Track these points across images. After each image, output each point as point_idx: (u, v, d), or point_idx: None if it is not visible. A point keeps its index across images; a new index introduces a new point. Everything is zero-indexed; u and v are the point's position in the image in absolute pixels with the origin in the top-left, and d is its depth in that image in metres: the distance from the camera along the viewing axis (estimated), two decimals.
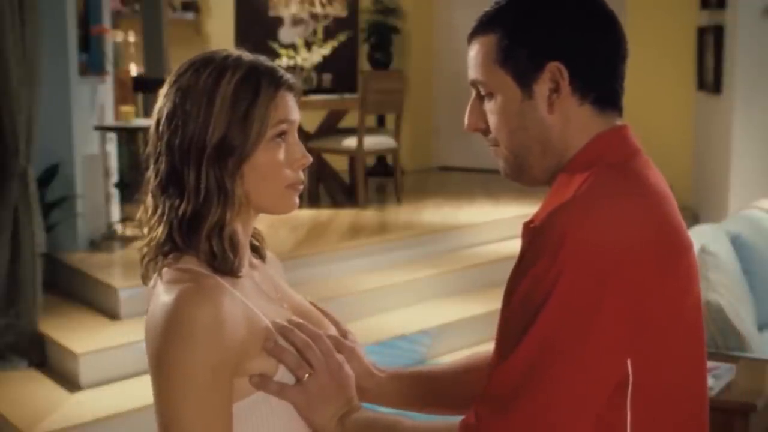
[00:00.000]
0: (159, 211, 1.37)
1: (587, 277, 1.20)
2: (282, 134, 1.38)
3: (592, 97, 1.34)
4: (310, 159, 1.43)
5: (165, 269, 1.36)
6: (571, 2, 1.35)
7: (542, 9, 1.34)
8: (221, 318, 1.29)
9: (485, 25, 1.37)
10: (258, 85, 1.36)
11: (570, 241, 1.21)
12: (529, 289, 1.23)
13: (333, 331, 1.53)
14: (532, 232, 1.30)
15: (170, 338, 1.28)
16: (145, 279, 1.41)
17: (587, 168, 1.31)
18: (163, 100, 1.38)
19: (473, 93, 1.41)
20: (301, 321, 1.42)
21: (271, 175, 1.37)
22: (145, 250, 1.39)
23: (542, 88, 1.33)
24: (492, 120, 1.37)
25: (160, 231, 1.36)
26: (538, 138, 1.35)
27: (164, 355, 1.28)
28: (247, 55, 1.39)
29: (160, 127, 1.37)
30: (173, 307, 1.29)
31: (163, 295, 1.32)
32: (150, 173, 1.39)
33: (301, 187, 1.42)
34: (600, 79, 1.35)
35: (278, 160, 1.38)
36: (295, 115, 1.40)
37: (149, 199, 1.39)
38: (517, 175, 1.41)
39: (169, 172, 1.36)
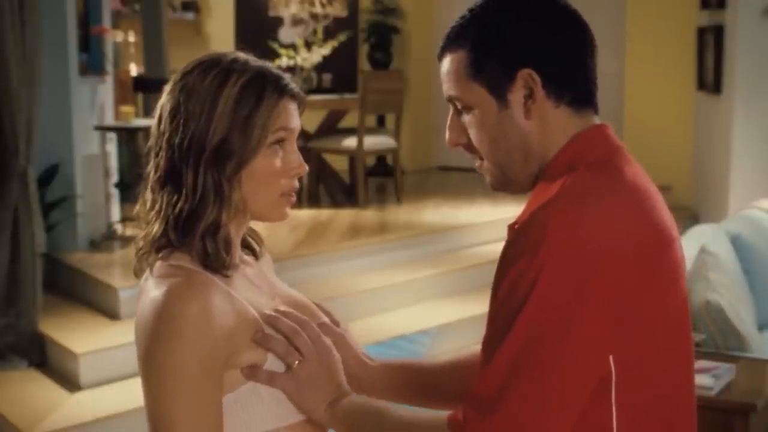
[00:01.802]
0: (157, 206, 1.38)
1: (568, 275, 1.21)
2: (280, 141, 1.39)
3: (567, 98, 1.35)
4: (306, 168, 1.43)
5: (157, 264, 1.37)
6: (532, 8, 1.36)
7: (506, 19, 1.35)
8: (210, 313, 1.29)
9: (453, 41, 1.38)
10: (262, 90, 1.36)
11: (551, 238, 1.21)
12: (512, 288, 1.24)
13: (326, 321, 1.53)
14: (515, 232, 1.31)
15: (160, 333, 1.29)
16: (138, 273, 1.42)
17: (569, 168, 1.31)
18: (167, 96, 1.38)
19: (450, 109, 1.41)
20: (287, 309, 1.42)
21: (266, 182, 1.38)
22: (141, 243, 1.39)
23: (517, 96, 1.34)
24: (473, 133, 1.38)
25: (156, 226, 1.37)
26: (519, 146, 1.36)
27: (154, 350, 1.29)
28: (255, 61, 1.40)
29: (162, 124, 1.38)
30: (163, 302, 1.29)
31: (152, 290, 1.33)
32: (150, 168, 1.40)
33: (294, 198, 1.43)
34: (572, 79, 1.36)
35: (275, 167, 1.38)
36: (296, 123, 1.41)
37: (148, 194, 1.40)
38: (505, 186, 1.42)
39: (168, 169, 1.37)
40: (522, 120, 1.34)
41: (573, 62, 1.35)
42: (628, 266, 1.23)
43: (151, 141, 1.40)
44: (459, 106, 1.39)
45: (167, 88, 1.40)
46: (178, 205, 1.35)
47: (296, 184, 1.43)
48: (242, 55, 1.40)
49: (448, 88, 1.40)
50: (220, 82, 1.35)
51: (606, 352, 1.23)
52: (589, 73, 1.37)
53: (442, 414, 1.29)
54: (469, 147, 1.41)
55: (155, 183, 1.38)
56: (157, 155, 1.38)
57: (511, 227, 1.36)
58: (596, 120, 1.38)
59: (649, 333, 1.27)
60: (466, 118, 1.38)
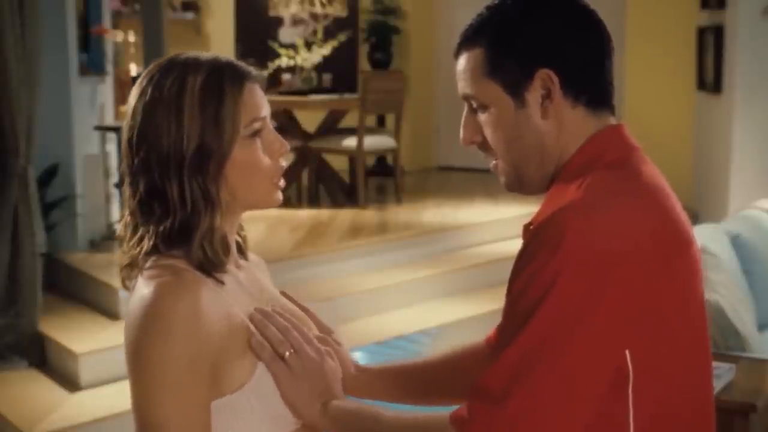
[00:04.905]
0: (141, 229, 1.36)
1: (587, 274, 1.20)
2: (256, 132, 1.38)
3: (584, 98, 1.35)
4: (288, 146, 1.42)
5: (147, 263, 1.35)
6: (551, 7, 1.35)
7: (525, 17, 1.34)
8: (200, 311, 1.29)
9: (470, 38, 1.37)
10: (221, 84, 1.35)
11: (570, 237, 1.21)
12: (527, 286, 1.23)
13: (316, 332, 1.53)
14: (531, 233, 1.30)
15: (148, 330, 1.28)
16: (126, 282, 1.40)
17: (586, 169, 1.31)
18: (131, 121, 1.36)
19: (465, 107, 1.41)
20: (280, 310, 1.42)
21: (252, 171, 1.37)
22: (128, 260, 1.38)
23: (534, 95, 1.33)
24: (488, 132, 1.37)
25: (144, 246, 1.35)
26: (535, 146, 1.35)
27: (142, 347, 1.28)
28: (204, 55, 1.39)
29: (132, 146, 1.36)
30: (152, 299, 1.28)
31: (142, 287, 1.32)
32: (125, 191, 1.38)
33: (282, 181, 1.42)
34: (590, 79, 1.35)
35: (257, 154, 1.38)
36: (266, 110, 1.40)
37: (128, 218, 1.38)
38: (519, 187, 1.41)
39: (149, 190, 1.35)
40: (539, 120, 1.34)
41: (591, 62, 1.35)
42: (647, 265, 1.23)
43: (124, 165, 1.38)
44: (474, 105, 1.38)
45: (129, 106, 1.37)
46: (168, 222, 1.34)
47: (283, 164, 1.42)
48: (192, 54, 1.39)
49: (463, 86, 1.38)
50: (178, 88, 1.34)
51: (621, 347, 1.23)
52: (606, 74, 1.37)
53: (443, 413, 1.29)
54: (484, 146, 1.40)
55: (136, 206, 1.36)
56: (134, 178, 1.36)
57: (526, 228, 1.36)
58: (612, 120, 1.38)
59: (667, 331, 1.27)
60: (482, 117, 1.37)
